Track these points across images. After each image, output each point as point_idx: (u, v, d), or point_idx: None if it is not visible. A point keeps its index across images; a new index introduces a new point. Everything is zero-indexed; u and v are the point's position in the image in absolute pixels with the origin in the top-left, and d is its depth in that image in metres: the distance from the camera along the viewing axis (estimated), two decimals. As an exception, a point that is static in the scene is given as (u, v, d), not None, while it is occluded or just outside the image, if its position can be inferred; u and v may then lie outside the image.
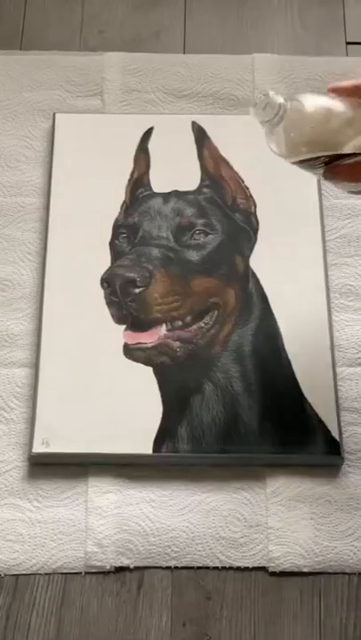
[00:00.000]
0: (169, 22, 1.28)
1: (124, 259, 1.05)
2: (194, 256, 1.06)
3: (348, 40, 1.27)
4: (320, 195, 1.13)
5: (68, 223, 1.10)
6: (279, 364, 1.02)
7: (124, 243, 1.08)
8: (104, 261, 1.07)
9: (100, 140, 1.16)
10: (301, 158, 0.83)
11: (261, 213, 1.10)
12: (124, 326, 1.03)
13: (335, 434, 0.99)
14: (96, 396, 1.00)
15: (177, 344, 1.02)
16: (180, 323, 1.03)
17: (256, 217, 1.10)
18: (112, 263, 1.07)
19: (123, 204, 1.11)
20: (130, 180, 1.13)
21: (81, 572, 0.94)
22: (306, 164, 0.84)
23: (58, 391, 1.00)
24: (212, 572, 0.94)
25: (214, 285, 1.05)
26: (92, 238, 1.09)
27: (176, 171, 1.12)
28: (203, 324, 1.03)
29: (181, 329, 1.03)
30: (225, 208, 1.10)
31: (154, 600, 0.93)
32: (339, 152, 0.82)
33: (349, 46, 1.27)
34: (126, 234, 1.08)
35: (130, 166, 1.14)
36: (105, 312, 1.03)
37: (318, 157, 0.83)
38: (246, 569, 0.94)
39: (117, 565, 0.94)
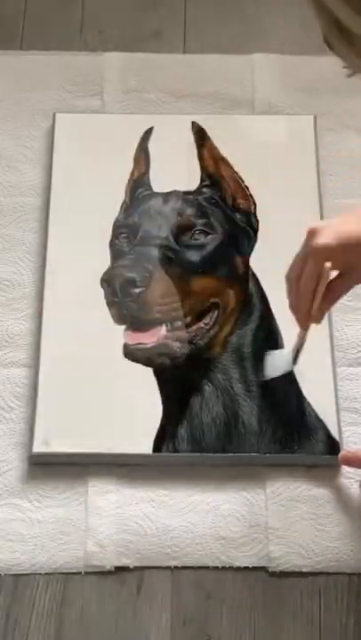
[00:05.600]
0: (169, 22, 1.28)
1: (124, 259, 1.05)
2: (194, 256, 1.06)
3: (348, 40, 1.27)
4: (320, 195, 1.13)
5: (68, 223, 1.10)
6: (279, 364, 1.02)
7: (123, 243, 1.08)
8: (104, 261, 1.07)
9: (100, 140, 1.16)
10: None
11: (261, 213, 1.10)
12: (124, 326, 1.03)
13: (335, 434, 0.99)
14: (96, 397, 1.00)
15: (177, 344, 1.02)
16: (179, 323, 1.03)
17: (256, 217, 1.10)
18: (112, 263, 1.06)
19: (123, 204, 1.11)
20: (130, 180, 1.13)
21: (81, 572, 0.94)
22: None
23: (58, 391, 1.00)
24: (212, 572, 0.94)
25: (214, 285, 1.05)
26: (92, 238, 1.09)
27: (176, 171, 1.12)
28: (203, 325, 1.03)
29: (181, 329, 1.03)
30: (225, 208, 1.10)
31: (154, 600, 0.93)
32: None
33: (349, 46, 1.27)
34: (126, 234, 1.08)
35: (130, 166, 1.13)
36: (105, 312, 1.03)
37: None
38: (246, 569, 0.94)
39: (117, 565, 0.94)
